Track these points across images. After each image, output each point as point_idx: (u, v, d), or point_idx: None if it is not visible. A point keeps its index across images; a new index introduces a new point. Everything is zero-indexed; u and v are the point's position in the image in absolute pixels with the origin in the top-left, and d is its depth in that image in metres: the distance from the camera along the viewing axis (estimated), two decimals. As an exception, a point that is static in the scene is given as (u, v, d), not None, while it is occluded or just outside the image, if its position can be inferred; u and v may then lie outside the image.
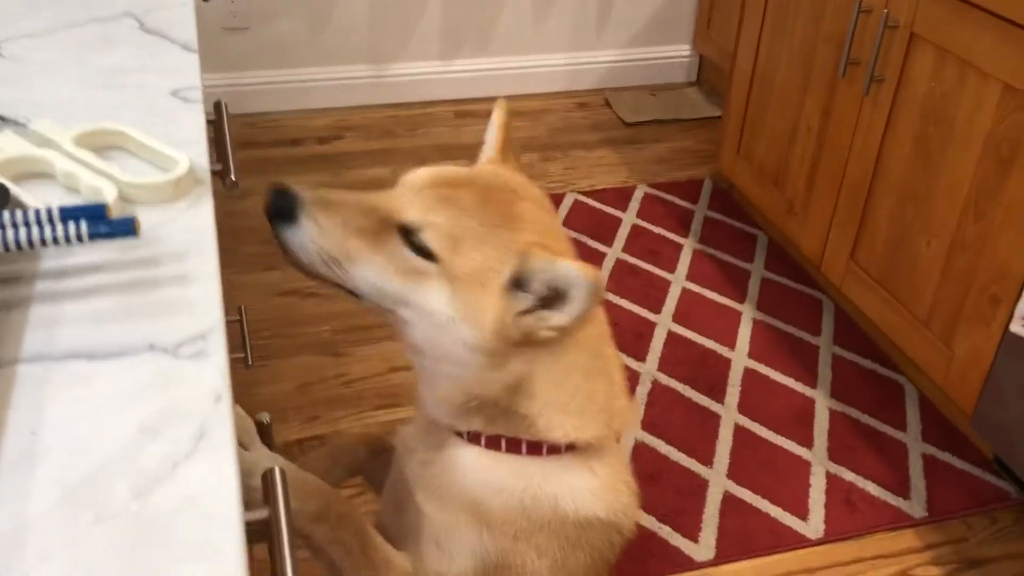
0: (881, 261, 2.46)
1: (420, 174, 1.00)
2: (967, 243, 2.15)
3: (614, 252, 3.01)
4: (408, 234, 0.94)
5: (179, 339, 0.75)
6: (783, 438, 2.35)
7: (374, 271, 0.95)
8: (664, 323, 2.72)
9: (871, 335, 2.68)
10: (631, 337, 2.65)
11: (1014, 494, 2.23)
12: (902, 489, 2.23)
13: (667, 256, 3.01)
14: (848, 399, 2.48)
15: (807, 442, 2.34)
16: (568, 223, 3.12)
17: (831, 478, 2.25)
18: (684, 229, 3.14)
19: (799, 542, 2.10)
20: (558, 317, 0.94)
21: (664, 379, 2.51)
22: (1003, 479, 2.26)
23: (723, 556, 2.06)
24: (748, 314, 2.77)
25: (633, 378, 2.50)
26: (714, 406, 2.44)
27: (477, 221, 0.94)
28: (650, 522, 2.11)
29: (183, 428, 0.67)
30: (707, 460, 2.28)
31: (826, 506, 2.18)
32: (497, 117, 1.11)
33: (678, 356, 2.60)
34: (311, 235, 0.93)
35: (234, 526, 0.60)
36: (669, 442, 2.32)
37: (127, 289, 0.80)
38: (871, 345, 2.66)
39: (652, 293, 2.84)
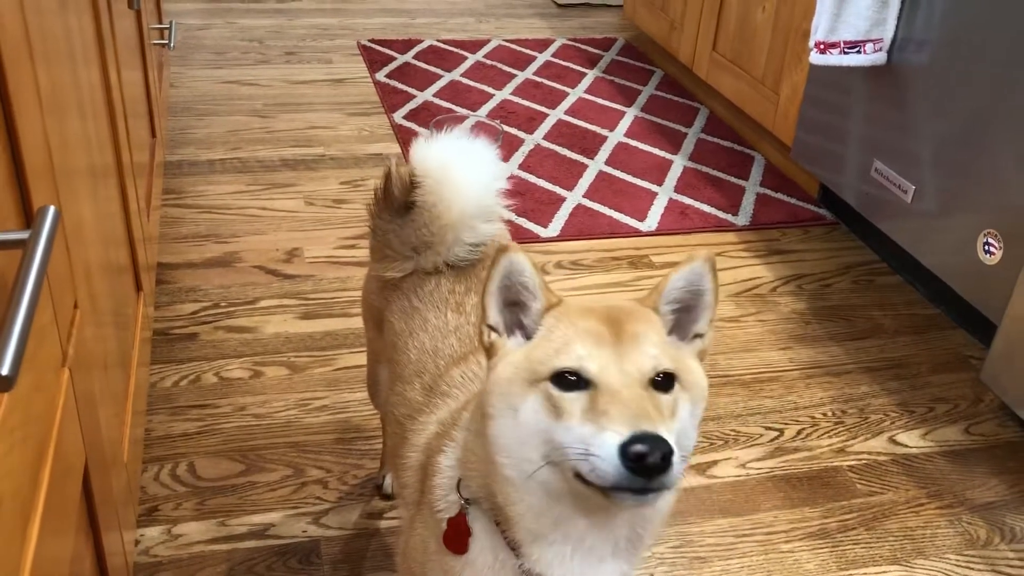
0: (732, 42, 2.86)
1: (589, 321, 0.87)
2: (788, -4, 2.55)
3: (525, 74, 3.40)
4: (657, 382, 0.84)
5: None
6: (639, 179, 2.72)
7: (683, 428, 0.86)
8: (556, 115, 3.10)
9: (732, 126, 3.06)
10: (524, 120, 3.03)
11: (829, 218, 2.58)
12: (732, 209, 2.59)
13: (571, 78, 3.41)
14: (703, 161, 2.85)
15: (658, 182, 2.71)
16: (489, 56, 3.52)
17: (672, 202, 2.61)
18: (591, 65, 3.54)
19: (634, 233, 2.45)
20: (704, 312, 0.92)
21: (545, 144, 2.89)
22: (823, 209, 2.62)
23: (565, 236, 2.41)
24: (632, 113, 3.15)
25: (517, 144, 2.88)
26: (584, 160, 2.81)
27: (650, 330, 0.88)
28: (509, 215, 2.47)
29: None
30: (568, 187, 2.65)
31: (662, 215, 2.54)
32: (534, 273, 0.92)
33: (562, 132, 2.98)
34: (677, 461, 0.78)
35: None
36: (538, 176, 2.69)
37: None
38: (732, 132, 3.03)
39: (551, 97, 3.23)
